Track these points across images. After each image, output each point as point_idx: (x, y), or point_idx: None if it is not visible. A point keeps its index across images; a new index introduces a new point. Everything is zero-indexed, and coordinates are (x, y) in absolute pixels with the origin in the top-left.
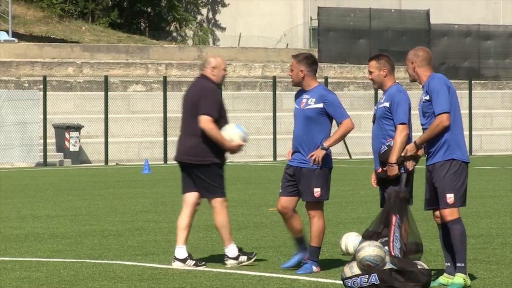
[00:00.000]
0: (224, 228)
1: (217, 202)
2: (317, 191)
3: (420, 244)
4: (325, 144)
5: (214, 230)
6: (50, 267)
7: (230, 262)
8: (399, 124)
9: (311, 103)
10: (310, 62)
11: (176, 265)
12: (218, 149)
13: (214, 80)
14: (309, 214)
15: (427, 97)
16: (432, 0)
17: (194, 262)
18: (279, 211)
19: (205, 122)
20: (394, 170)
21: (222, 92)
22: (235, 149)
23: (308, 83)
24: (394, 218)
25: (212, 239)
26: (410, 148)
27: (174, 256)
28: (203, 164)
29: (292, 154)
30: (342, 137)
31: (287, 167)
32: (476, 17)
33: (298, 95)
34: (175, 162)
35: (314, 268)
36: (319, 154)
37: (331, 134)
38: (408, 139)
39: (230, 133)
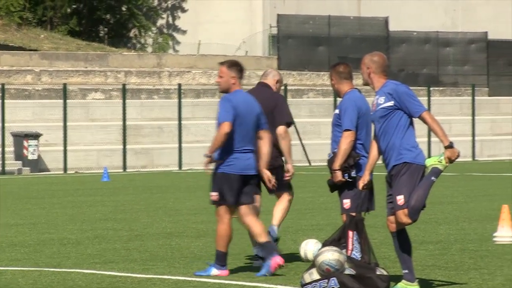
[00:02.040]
0: (283, 211)
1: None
2: (212, 195)
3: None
4: (208, 152)
5: (173, 238)
6: (8, 275)
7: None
8: (344, 130)
9: None
10: (240, 68)
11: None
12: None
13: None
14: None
15: (390, 103)
16: (391, 7)
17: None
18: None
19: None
20: (337, 177)
21: (182, 100)
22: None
23: (233, 89)
24: (350, 233)
25: (171, 247)
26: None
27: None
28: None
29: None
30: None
31: None
32: (435, 24)
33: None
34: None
35: (215, 271)
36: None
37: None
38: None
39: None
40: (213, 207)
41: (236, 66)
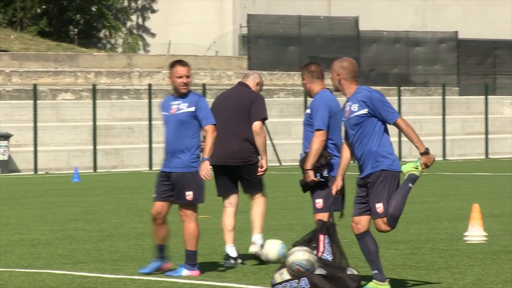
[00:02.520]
0: (262, 217)
1: (260, 195)
2: (189, 194)
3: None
4: (205, 156)
5: (144, 238)
6: None
7: (255, 248)
8: (316, 130)
9: (183, 107)
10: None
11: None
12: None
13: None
14: (181, 218)
15: (364, 111)
16: (361, 7)
17: (241, 261)
18: (152, 215)
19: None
20: (309, 176)
21: (152, 100)
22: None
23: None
24: (321, 236)
25: (142, 247)
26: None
27: (229, 255)
28: (249, 164)
29: (165, 159)
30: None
31: (161, 172)
32: (405, 24)
33: (168, 101)
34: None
35: (186, 272)
36: (204, 167)
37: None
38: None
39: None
40: (175, 208)
41: (188, 66)
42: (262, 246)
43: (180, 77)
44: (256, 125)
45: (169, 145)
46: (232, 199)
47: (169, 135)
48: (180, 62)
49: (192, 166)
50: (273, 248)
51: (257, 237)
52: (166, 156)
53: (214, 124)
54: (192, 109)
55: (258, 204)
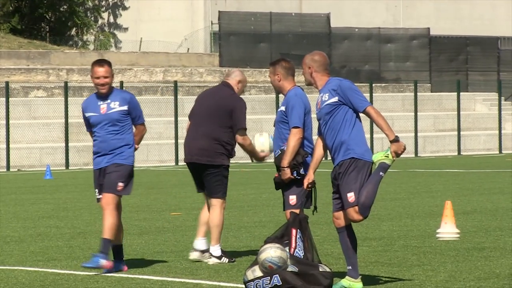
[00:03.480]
0: (217, 227)
1: (218, 201)
2: (120, 185)
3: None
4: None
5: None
6: None
7: (213, 260)
8: (293, 127)
9: (114, 106)
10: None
11: (213, 261)
12: (228, 155)
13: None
14: (103, 207)
15: (334, 99)
16: (332, 3)
17: (228, 259)
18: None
19: (245, 139)
20: (286, 174)
21: None
22: (260, 159)
23: (110, 88)
24: (294, 231)
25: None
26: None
27: (210, 253)
28: (213, 164)
29: (98, 158)
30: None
31: (97, 172)
32: (377, 21)
33: (93, 102)
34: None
35: (102, 262)
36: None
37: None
38: (306, 143)
39: (260, 143)
40: (155, 204)
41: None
42: (203, 252)
43: (98, 77)
44: (238, 138)
45: (103, 144)
46: None
47: (102, 134)
48: (99, 62)
49: (129, 160)
50: (264, 140)
51: (201, 243)
52: (100, 155)
53: (143, 123)
54: (125, 108)
55: (214, 213)
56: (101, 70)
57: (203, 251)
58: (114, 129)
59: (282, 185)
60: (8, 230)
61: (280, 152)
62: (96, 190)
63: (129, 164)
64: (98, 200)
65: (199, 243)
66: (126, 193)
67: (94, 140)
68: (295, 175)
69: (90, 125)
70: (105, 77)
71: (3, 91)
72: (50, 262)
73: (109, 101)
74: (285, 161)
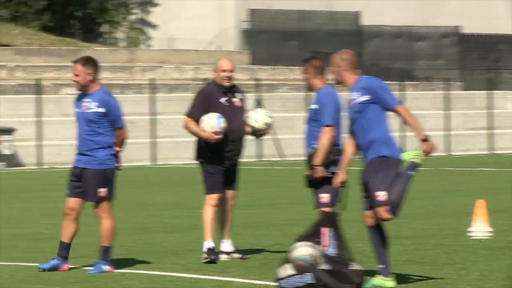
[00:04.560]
0: (202, 223)
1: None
2: (102, 191)
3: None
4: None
5: (147, 233)
6: None
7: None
8: (324, 126)
9: (92, 106)
10: (95, 64)
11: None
12: (205, 150)
13: (217, 82)
14: (98, 215)
15: (365, 97)
16: (362, 1)
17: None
18: (64, 212)
19: (183, 122)
20: (318, 172)
21: (154, 95)
22: (208, 139)
23: (92, 86)
24: (325, 229)
25: (145, 242)
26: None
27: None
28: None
29: (76, 155)
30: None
31: (73, 168)
32: (407, 19)
33: (79, 99)
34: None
35: (106, 268)
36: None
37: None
38: (335, 141)
39: (204, 123)
40: (187, 201)
41: (90, 62)
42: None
43: (75, 75)
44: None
45: (79, 142)
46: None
47: (81, 132)
48: (77, 60)
49: (106, 164)
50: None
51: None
52: (78, 153)
53: (122, 127)
54: (102, 110)
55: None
56: (75, 67)
57: (229, 253)
58: (89, 130)
59: (314, 183)
60: (40, 227)
61: (312, 150)
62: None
63: (104, 168)
64: (68, 195)
65: (223, 245)
66: (109, 197)
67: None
68: (327, 173)
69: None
70: (76, 75)
71: (34, 88)
72: (81, 259)
73: (90, 100)
74: (317, 159)
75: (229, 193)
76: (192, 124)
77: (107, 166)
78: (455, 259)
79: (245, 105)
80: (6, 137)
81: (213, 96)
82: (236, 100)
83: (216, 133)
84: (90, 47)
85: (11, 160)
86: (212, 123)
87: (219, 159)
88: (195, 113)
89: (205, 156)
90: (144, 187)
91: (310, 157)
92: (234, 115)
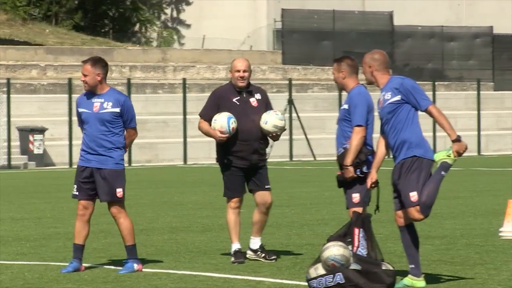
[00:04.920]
0: (227, 226)
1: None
2: (119, 192)
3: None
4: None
5: (179, 232)
6: (14, 270)
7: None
8: (355, 126)
9: (107, 106)
10: (104, 64)
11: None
12: (221, 151)
13: (233, 82)
14: (114, 216)
15: (397, 98)
16: (395, 1)
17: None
18: (78, 214)
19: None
20: (349, 172)
21: (186, 95)
22: (216, 139)
23: (102, 86)
24: (356, 229)
25: (176, 241)
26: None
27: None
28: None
29: (86, 155)
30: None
31: (82, 169)
32: (440, 19)
33: (87, 99)
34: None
35: (136, 266)
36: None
37: None
38: (367, 141)
39: (215, 123)
40: (218, 201)
41: (100, 62)
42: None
43: (84, 75)
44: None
45: (92, 143)
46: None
47: (94, 132)
48: (86, 60)
49: (121, 164)
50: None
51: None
52: (89, 153)
53: (134, 127)
54: (118, 109)
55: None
56: (84, 67)
57: (255, 251)
58: (104, 129)
59: (345, 183)
60: (70, 227)
61: (343, 150)
62: (75, 186)
63: (121, 169)
64: (74, 196)
65: (252, 242)
66: (124, 197)
67: (83, 137)
68: (358, 173)
69: (82, 121)
70: (84, 75)
71: (66, 87)
72: (112, 258)
73: (102, 100)
74: (348, 159)
75: (258, 194)
76: (203, 124)
77: (122, 167)
78: (486, 259)
79: (265, 105)
80: (37, 136)
81: (225, 96)
82: (253, 100)
83: (222, 133)
84: (122, 47)
85: (42, 159)
86: (222, 123)
87: (232, 160)
88: (206, 113)
89: (221, 157)
90: (176, 186)
91: (341, 157)
92: (246, 115)
